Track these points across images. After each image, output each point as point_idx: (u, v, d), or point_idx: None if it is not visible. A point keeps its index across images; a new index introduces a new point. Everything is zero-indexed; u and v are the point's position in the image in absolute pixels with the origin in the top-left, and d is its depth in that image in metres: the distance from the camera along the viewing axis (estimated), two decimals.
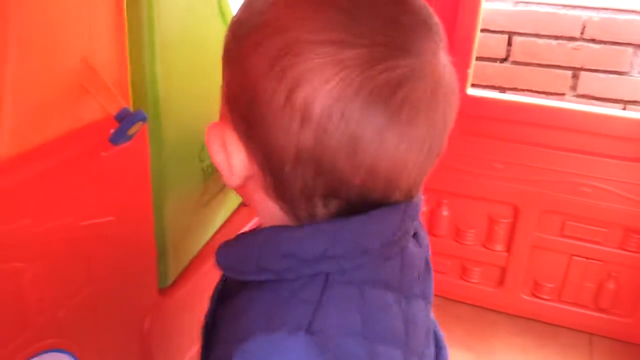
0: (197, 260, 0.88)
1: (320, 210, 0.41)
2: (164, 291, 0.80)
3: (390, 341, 0.41)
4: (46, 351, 0.58)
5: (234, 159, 0.43)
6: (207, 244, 0.91)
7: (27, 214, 0.52)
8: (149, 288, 0.76)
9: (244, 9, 0.43)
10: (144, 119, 0.61)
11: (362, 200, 0.40)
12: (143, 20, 0.65)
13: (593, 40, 1.61)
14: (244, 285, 0.42)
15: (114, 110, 0.59)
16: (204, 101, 0.70)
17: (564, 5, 1.61)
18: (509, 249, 1.43)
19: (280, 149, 0.39)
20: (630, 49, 1.59)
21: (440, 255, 1.49)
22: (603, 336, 1.43)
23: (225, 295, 0.49)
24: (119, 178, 0.64)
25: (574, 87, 1.68)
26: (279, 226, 0.42)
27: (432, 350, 0.51)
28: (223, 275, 0.52)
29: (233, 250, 0.44)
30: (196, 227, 0.88)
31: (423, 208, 0.46)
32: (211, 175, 0.87)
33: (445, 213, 1.45)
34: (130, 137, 0.62)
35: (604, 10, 1.58)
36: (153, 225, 0.73)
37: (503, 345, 1.41)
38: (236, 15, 0.43)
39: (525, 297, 1.47)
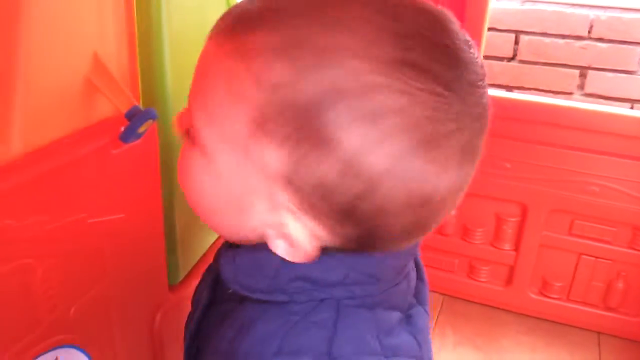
0: (207, 256, 0.88)
1: None
2: (174, 287, 0.80)
3: (407, 356, 0.41)
4: (58, 347, 0.59)
5: (305, 244, 0.38)
6: (217, 240, 0.91)
7: (38, 211, 0.53)
8: (160, 284, 0.77)
9: (309, 70, 0.34)
10: (154, 117, 0.61)
11: None
12: (153, 19, 0.65)
13: (601, 39, 1.61)
14: (247, 297, 0.41)
15: (124, 108, 0.60)
16: None
17: (572, 4, 1.61)
18: (517, 248, 1.43)
19: (388, 232, 0.38)
20: (638, 48, 1.59)
21: (448, 254, 1.49)
22: (611, 335, 1.43)
23: (213, 300, 0.48)
24: (129, 175, 0.65)
25: (581, 86, 1.68)
26: None
27: None
28: (207, 276, 0.51)
29: (242, 265, 0.42)
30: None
31: None
32: None
33: (453, 212, 1.45)
34: (140, 135, 0.62)
35: (612, 9, 1.58)
36: (163, 222, 0.74)
37: (511, 344, 1.41)
38: (287, 72, 0.34)
39: (533, 296, 1.47)
